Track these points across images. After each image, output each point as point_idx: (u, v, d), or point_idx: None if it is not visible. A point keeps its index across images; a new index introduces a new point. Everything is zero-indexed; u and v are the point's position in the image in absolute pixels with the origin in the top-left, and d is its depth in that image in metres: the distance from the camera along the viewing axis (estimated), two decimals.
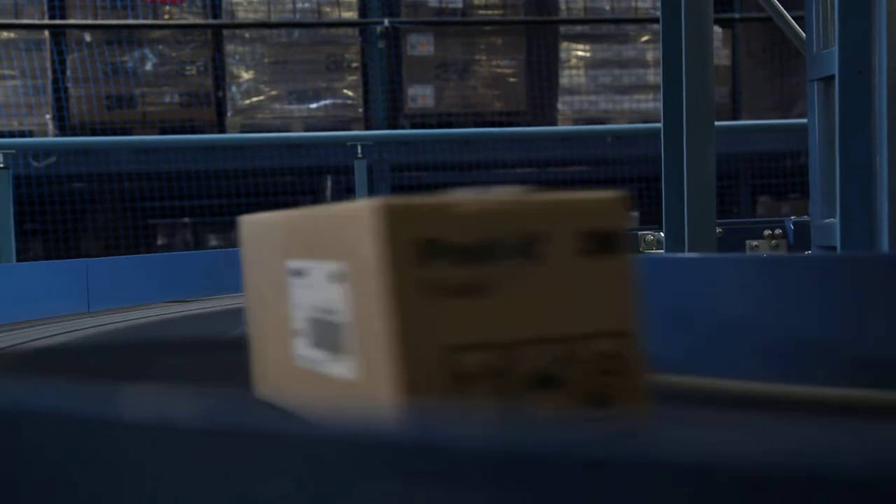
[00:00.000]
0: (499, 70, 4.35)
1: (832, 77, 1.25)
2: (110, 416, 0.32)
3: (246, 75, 4.20)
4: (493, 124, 4.31)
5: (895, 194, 1.07)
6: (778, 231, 2.03)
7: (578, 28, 4.40)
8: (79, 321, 1.48)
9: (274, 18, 4.22)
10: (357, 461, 0.29)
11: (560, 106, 4.37)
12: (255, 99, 4.19)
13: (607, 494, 0.25)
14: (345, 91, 4.25)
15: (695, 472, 0.25)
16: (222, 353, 0.99)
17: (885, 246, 1.08)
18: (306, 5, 4.25)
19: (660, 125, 1.58)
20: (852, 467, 0.22)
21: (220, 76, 4.20)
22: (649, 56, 4.38)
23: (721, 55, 4.39)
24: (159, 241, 4.72)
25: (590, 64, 4.38)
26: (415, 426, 0.28)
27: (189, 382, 0.79)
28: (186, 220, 4.77)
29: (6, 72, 3.99)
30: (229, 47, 4.20)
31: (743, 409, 0.74)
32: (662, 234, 1.73)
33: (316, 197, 4.64)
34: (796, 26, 1.70)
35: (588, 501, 0.25)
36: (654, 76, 4.28)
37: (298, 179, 4.50)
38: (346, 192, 4.34)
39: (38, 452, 0.35)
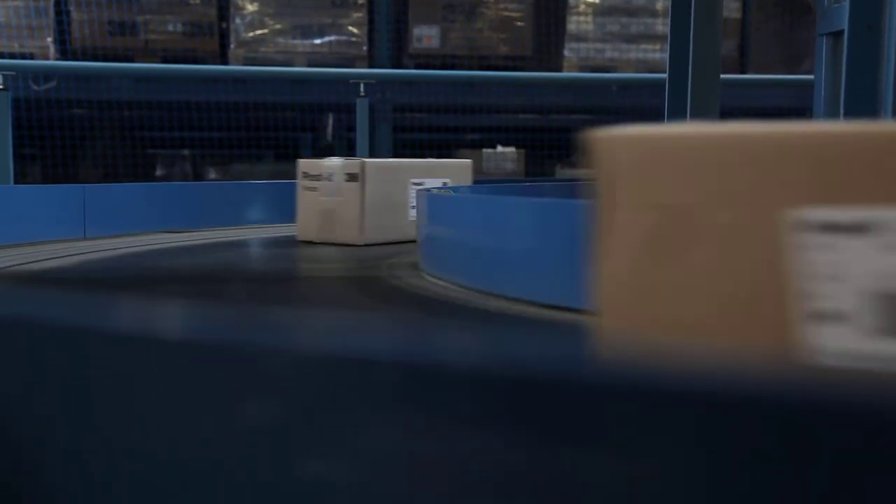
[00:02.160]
0: (506, 13, 4.31)
1: (842, 32, 1.23)
2: (104, 326, 0.32)
3: (250, 7, 4.15)
4: (497, 68, 4.27)
5: None
6: None
7: None
8: (74, 245, 1.48)
9: None
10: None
11: (566, 52, 4.33)
12: (258, 32, 4.15)
13: None
14: (349, 28, 4.21)
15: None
16: (217, 285, 0.99)
17: None
18: None
19: (665, 76, 1.57)
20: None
21: (224, 7, 4.15)
22: (658, 5, 4.34)
23: (731, 7, 4.34)
24: (158, 172, 4.71)
25: (598, 11, 4.34)
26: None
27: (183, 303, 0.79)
28: (186, 151, 4.75)
29: None
30: None
31: None
32: None
33: (316, 134, 4.62)
34: None
35: None
36: (662, 26, 4.24)
37: (300, 115, 4.47)
38: (346, 130, 4.32)
39: (30, 363, 0.35)
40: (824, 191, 0.41)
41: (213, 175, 4.70)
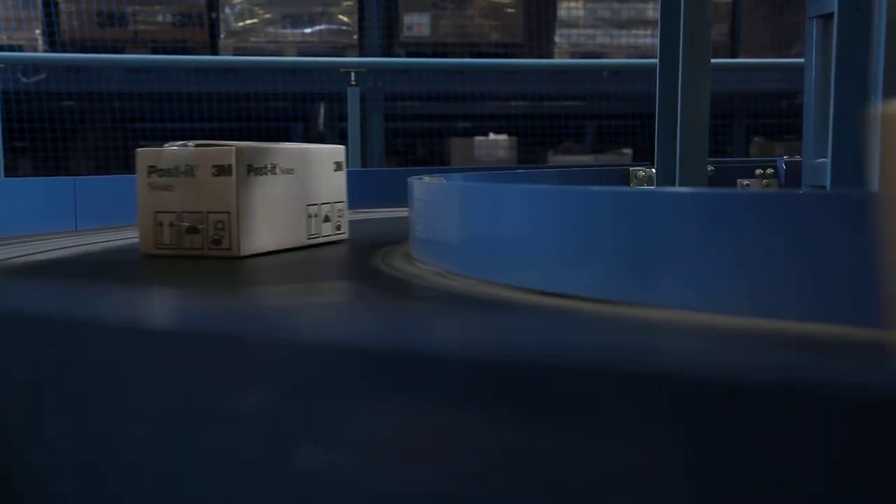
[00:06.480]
0: (496, 0, 4.30)
1: (831, 14, 1.23)
2: (96, 319, 0.32)
3: None
4: (489, 55, 4.26)
5: None
6: (769, 170, 2.02)
7: None
8: (66, 239, 1.48)
9: None
10: None
11: (557, 39, 4.32)
12: (248, 21, 4.14)
13: None
14: (340, 16, 4.19)
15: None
16: (208, 272, 0.99)
17: (874, 186, 1.08)
18: None
19: (656, 61, 1.56)
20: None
21: None
22: None
23: None
24: None
25: None
26: None
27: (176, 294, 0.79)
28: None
29: None
30: None
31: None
32: (654, 171, 1.72)
33: (308, 124, 4.61)
34: None
35: None
36: (653, 11, 4.23)
37: (291, 105, 4.46)
38: (339, 119, 4.31)
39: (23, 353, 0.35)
40: None
41: None
